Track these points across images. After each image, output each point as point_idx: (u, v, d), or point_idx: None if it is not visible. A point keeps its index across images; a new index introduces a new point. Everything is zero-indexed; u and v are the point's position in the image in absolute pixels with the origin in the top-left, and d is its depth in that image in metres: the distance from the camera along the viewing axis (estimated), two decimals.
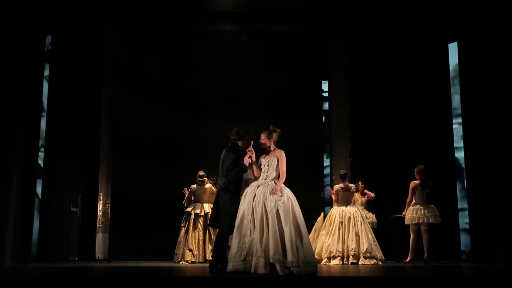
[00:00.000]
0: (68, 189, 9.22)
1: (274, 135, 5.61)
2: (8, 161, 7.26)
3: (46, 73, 8.60)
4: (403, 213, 8.04)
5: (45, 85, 8.56)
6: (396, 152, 9.35)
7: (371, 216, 8.89)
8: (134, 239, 9.07)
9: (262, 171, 5.52)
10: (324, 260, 7.73)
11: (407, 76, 9.36)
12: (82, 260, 9.07)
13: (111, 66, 9.86)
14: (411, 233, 7.97)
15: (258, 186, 5.39)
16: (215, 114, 9.81)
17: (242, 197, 5.41)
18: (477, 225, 8.23)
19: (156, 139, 9.92)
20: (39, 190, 8.35)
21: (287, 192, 5.36)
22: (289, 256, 4.93)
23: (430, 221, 7.76)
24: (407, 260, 7.99)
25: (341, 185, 8.17)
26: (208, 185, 8.12)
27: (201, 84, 10.11)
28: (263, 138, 5.59)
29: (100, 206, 9.50)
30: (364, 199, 8.94)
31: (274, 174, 5.49)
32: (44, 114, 8.56)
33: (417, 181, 7.89)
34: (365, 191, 8.97)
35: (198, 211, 8.02)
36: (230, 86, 9.98)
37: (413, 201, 7.92)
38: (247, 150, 5.53)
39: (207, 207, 7.94)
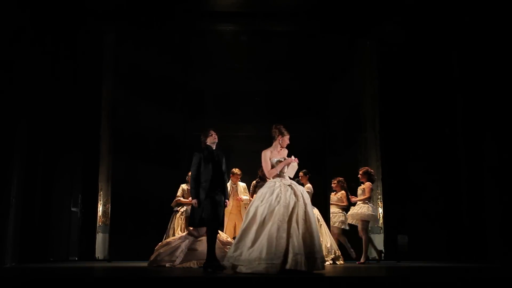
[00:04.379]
0: (68, 189, 9.22)
1: None
2: (8, 161, 7.26)
3: (46, 72, 8.59)
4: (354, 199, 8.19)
5: (45, 85, 8.55)
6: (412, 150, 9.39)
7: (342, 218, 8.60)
8: (134, 239, 9.07)
9: (281, 170, 5.60)
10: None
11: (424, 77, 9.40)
12: (82, 260, 9.07)
13: (111, 66, 9.86)
14: (365, 232, 8.00)
15: (289, 185, 5.43)
16: (215, 114, 9.80)
17: (267, 199, 5.32)
18: (477, 225, 8.24)
19: (156, 139, 9.91)
20: (39, 190, 8.35)
21: None
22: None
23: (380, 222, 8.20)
24: (363, 260, 7.89)
25: (309, 185, 8.11)
26: (183, 184, 8.13)
27: (201, 84, 10.10)
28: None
29: (100, 206, 9.51)
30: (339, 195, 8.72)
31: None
32: (44, 114, 8.54)
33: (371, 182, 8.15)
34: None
35: (181, 209, 8.12)
36: (230, 86, 9.97)
37: (367, 201, 8.09)
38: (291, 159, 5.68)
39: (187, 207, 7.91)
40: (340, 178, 8.53)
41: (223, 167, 6.17)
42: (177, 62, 10.07)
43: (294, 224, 5.13)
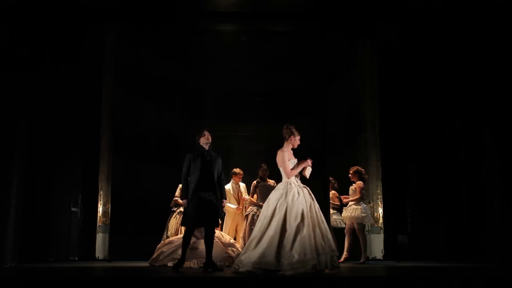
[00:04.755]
0: (68, 189, 9.22)
1: None
2: (8, 161, 7.26)
3: (46, 72, 8.59)
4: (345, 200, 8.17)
5: (45, 85, 8.55)
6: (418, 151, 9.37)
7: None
8: (134, 239, 9.06)
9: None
10: None
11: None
12: (82, 260, 9.08)
13: (111, 66, 9.85)
14: (361, 232, 7.91)
15: (304, 186, 5.52)
16: (215, 114, 9.78)
17: (294, 200, 5.32)
18: (477, 225, 8.24)
19: (156, 139, 9.90)
20: (39, 190, 8.35)
21: None
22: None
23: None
24: (363, 260, 7.82)
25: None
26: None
27: (201, 84, 10.07)
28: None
29: (100, 206, 9.51)
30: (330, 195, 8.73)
31: None
32: (44, 114, 8.55)
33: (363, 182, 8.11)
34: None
35: (177, 209, 8.14)
36: (230, 86, 9.94)
37: (358, 201, 8.01)
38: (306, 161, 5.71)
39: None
40: (330, 178, 8.51)
41: (217, 168, 6.13)
42: (177, 62, 10.04)
43: (316, 225, 5.21)
